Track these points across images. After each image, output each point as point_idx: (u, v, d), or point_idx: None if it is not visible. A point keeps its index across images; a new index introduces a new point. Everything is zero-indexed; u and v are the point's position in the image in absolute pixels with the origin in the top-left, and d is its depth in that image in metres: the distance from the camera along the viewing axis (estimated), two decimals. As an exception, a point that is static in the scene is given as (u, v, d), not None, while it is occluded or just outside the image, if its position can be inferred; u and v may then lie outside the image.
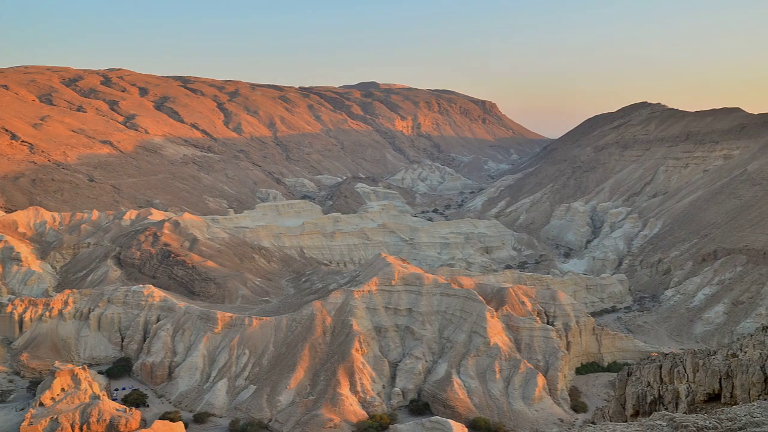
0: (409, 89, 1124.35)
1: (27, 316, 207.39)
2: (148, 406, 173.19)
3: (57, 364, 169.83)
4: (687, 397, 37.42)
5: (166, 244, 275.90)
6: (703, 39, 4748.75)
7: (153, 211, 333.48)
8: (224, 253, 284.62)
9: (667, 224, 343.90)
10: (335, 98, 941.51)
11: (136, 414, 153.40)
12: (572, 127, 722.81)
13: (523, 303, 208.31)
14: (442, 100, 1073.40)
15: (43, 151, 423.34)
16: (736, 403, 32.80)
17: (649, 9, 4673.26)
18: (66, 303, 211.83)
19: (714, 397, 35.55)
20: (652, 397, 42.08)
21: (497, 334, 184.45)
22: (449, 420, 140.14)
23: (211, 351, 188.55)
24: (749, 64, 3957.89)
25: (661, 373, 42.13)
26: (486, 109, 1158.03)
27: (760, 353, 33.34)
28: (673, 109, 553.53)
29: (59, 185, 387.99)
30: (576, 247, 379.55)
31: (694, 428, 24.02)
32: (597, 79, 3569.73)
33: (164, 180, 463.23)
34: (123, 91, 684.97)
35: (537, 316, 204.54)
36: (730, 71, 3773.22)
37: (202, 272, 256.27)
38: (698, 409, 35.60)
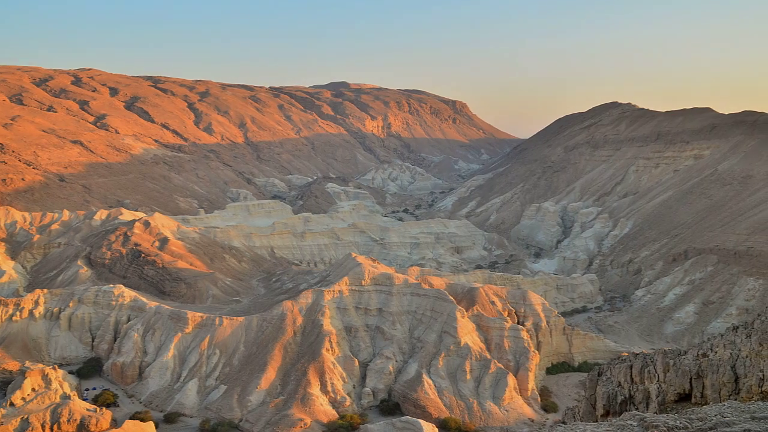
0: (380, 89, 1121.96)
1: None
2: (118, 406, 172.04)
3: (27, 364, 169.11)
4: (658, 397, 37.77)
5: (136, 244, 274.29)
6: (673, 39, 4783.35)
7: (123, 211, 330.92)
8: (195, 253, 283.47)
9: (638, 224, 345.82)
10: (306, 98, 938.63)
11: (107, 414, 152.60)
12: (543, 127, 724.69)
13: (493, 303, 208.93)
14: (413, 100, 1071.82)
15: (13, 151, 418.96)
16: (706, 403, 33.17)
17: (619, 10, 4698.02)
18: (36, 303, 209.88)
19: (684, 397, 35.93)
20: (622, 397, 42.43)
21: (468, 334, 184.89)
22: (420, 420, 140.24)
23: (181, 351, 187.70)
24: (720, 64, 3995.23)
25: (631, 373, 42.50)
26: (456, 109, 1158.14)
27: (731, 353, 33.72)
28: (643, 109, 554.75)
29: (30, 185, 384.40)
30: (546, 247, 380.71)
31: (665, 428, 24.26)
32: (567, 78, 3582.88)
33: (135, 180, 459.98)
34: (93, 91, 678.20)
35: (507, 316, 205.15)
36: (700, 71, 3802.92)
37: (172, 272, 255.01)
38: (669, 409, 35.93)
